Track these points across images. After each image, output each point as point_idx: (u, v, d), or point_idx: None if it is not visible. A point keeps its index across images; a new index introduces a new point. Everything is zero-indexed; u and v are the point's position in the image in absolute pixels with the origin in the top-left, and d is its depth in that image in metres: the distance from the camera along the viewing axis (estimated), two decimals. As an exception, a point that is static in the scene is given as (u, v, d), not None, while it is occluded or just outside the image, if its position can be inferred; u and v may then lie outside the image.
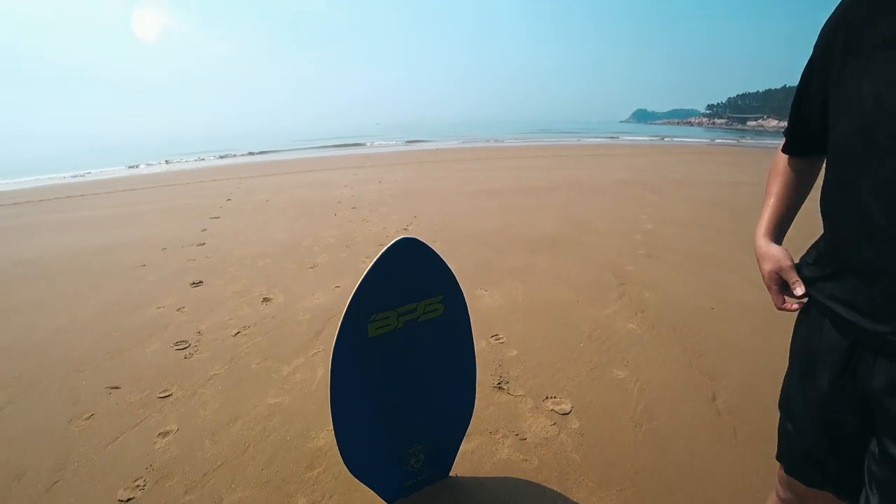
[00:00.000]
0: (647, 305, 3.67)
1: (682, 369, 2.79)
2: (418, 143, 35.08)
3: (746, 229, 5.87)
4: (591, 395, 2.56)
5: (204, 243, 6.07)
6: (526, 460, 2.12)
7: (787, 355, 1.12)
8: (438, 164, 16.28)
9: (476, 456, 2.15)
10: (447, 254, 5.26)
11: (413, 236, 1.50)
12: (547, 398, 2.54)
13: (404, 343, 1.60)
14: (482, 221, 6.71)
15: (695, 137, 39.57)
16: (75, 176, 21.55)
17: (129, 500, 1.98)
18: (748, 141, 34.55)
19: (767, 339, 3.09)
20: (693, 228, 5.99)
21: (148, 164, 26.77)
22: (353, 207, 8.18)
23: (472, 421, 1.96)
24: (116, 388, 2.82)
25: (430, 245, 1.55)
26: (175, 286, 4.48)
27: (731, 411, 2.40)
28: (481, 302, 3.84)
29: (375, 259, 1.43)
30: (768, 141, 33.88)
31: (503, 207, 7.66)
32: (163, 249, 5.88)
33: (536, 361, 2.90)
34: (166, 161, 28.64)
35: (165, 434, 2.38)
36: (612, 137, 39.87)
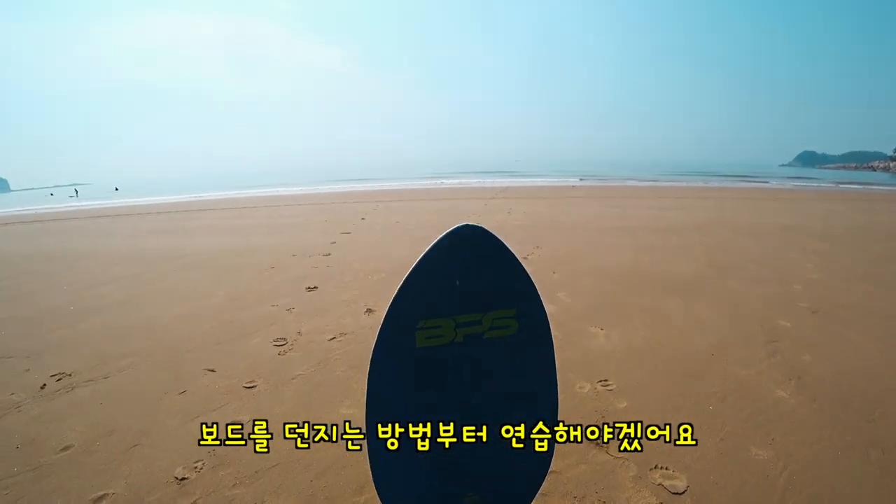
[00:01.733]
0: (806, 371, 2.89)
1: (855, 464, 2.07)
2: (551, 179, 34.54)
3: None
4: (716, 474, 2.00)
5: (329, 254, 6.40)
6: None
7: None
8: (571, 199, 15.71)
9: (555, 524, 1.76)
10: (566, 286, 5.00)
11: (480, 225, 1.22)
12: (656, 467, 2.03)
13: (463, 362, 1.29)
14: (609, 258, 6.13)
15: (880, 184, 33.17)
16: (234, 190, 25.24)
17: (183, 479, 2.00)
18: None
19: None
20: (873, 284, 4.76)
21: (297, 186, 30.18)
22: (476, 234, 8.09)
23: (554, 479, 1.57)
24: (212, 371, 2.95)
25: (516, 256, 1.27)
26: (293, 288, 4.72)
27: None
28: (594, 342, 3.38)
29: (427, 250, 1.18)
30: None
31: (635, 245, 6.95)
32: (293, 256, 6.32)
33: (650, 419, 2.38)
34: (314, 184, 32.10)
35: (238, 425, 2.36)
36: (764, 181, 35.35)
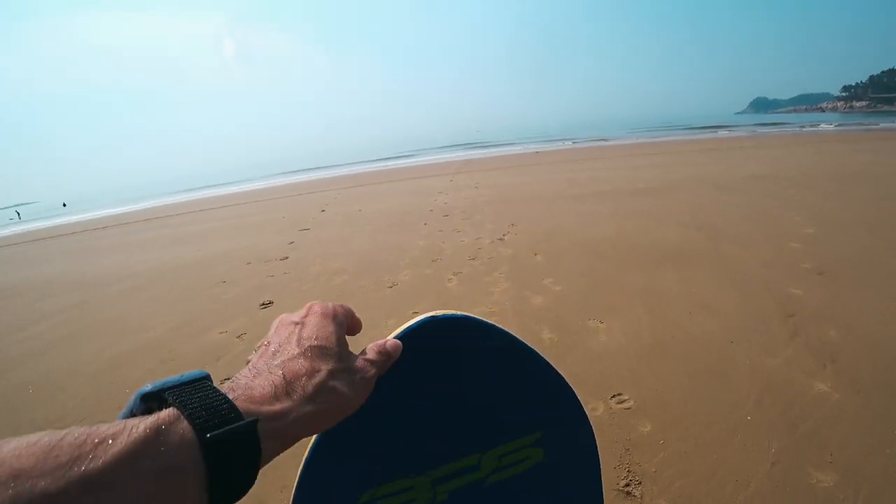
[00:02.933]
0: (837, 351, 2.53)
1: (935, 474, 1.72)
2: (517, 146, 34.07)
3: None
4: (781, 518, 1.60)
5: (287, 257, 5.81)
6: None
7: None
8: (539, 166, 15.28)
9: None
10: (551, 270, 4.53)
11: (461, 313, 0.67)
12: (708, 520, 1.62)
13: None
14: (591, 229, 5.72)
15: (832, 124, 33.90)
16: (189, 191, 23.88)
17: None
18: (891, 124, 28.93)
19: None
20: (872, 232, 4.48)
21: (253, 182, 28.88)
22: (446, 216, 7.58)
23: None
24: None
25: (500, 326, 0.71)
26: (245, 307, 4.16)
27: None
28: (596, 340, 2.95)
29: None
30: None
31: (615, 212, 6.57)
32: (247, 264, 5.71)
33: (683, 445, 1.97)
34: (271, 177, 30.79)
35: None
36: (714, 129, 35.75)
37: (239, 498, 0.31)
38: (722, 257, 4.20)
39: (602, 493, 0.84)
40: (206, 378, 0.35)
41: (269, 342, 0.43)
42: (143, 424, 0.28)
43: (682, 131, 36.76)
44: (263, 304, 4.14)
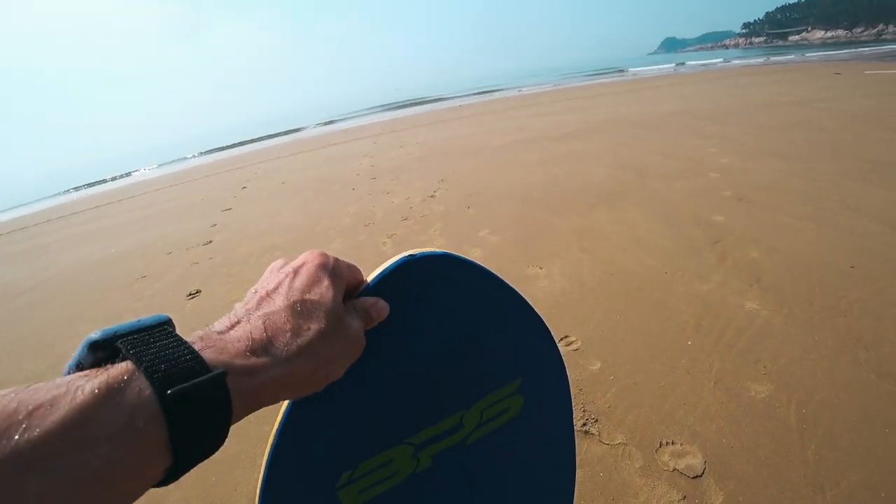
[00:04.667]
0: (761, 271, 2.69)
1: (850, 372, 1.86)
2: (439, 102, 33.59)
3: (846, 152, 4.64)
4: (726, 433, 1.69)
5: (210, 241, 5.41)
6: (653, 576, 1.29)
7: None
8: (462, 119, 15.12)
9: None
10: (485, 221, 4.50)
11: (441, 250, 0.57)
12: (662, 445, 1.68)
13: (432, 490, 0.68)
14: (521, 177, 5.72)
15: (736, 59, 35.97)
16: (89, 186, 21.70)
17: None
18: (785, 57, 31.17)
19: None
20: (780, 159, 4.79)
21: (162, 166, 26.73)
22: (373, 178, 7.35)
23: None
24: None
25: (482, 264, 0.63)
26: (171, 300, 3.85)
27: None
28: (537, 285, 2.97)
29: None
30: (809, 54, 30.13)
31: (543, 158, 6.61)
32: (168, 254, 5.27)
33: (632, 378, 2.03)
34: (185, 157, 28.53)
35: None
36: (621, 71, 37.06)
37: (206, 458, 0.28)
38: (648, 193, 4.34)
39: (573, 432, 0.81)
40: (167, 323, 0.31)
41: (256, 289, 0.38)
42: (90, 384, 0.24)
43: (598, 76, 37.56)
44: (190, 295, 3.83)
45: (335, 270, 0.41)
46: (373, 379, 0.52)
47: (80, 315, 4.00)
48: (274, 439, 0.49)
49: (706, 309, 2.41)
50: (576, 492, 1.38)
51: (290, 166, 11.20)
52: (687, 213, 3.67)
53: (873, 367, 1.87)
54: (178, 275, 4.46)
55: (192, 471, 0.27)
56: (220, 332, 0.32)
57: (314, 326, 0.35)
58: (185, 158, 27.93)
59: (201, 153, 29.28)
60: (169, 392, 0.25)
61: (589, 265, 3.10)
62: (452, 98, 35.90)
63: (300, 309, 0.35)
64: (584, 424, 1.81)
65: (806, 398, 1.78)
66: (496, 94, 32.10)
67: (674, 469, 1.58)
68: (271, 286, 0.37)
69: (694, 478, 1.54)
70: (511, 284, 0.61)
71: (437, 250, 0.53)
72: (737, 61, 33.12)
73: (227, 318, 0.34)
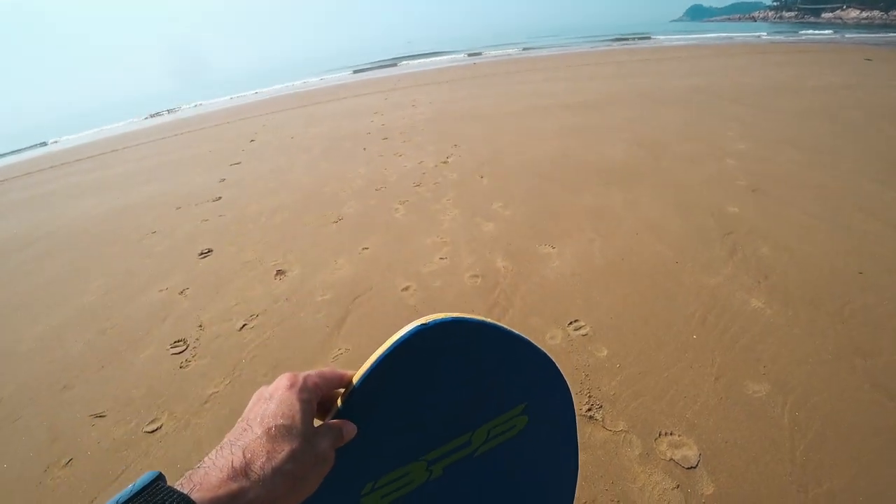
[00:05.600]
0: (770, 268, 2.72)
1: (845, 379, 1.93)
2: (451, 56, 32.66)
3: (868, 149, 4.54)
4: (722, 428, 1.76)
5: (220, 197, 5.41)
6: (645, 559, 1.39)
7: None
8: (476, 80, 14.77)
9: (568, 551, 1.43)
10: (499, 194, 4.49)
11: (451, 316, 0.63)
12: (661, 435, 1.76)
13: (443, 495, 0.79)
14: (536, 147, 5.67)
15: (763, 33, 34.61)
16: (100, 131, 21.29)
17: None
18: (810, 33, 29.94)
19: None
20: (797, 149, 4.71)
21: (170, 111, 26.16)
22: (385, 138, 7.27)
23: None
24: (101, 416, 2.27)
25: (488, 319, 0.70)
26: (182, 258, 3.88)
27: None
28: (549, 265, 3.01)
29: (360, 376, 0.60)
30: (838, 35, 28.89)
31: (559, 129, 6.52)
32: (177, 209, 5.28)
33: (637, 367, 2.09)
34: (194, 104, 27.89)
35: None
36: (644, 38, 35.82)
37: None
38: (664, 175, 4.32)
39: (577, 443, 0.90)
40: (159, 479, 0.35)
41: (243, 418, 0.43)
42: None
43: (619, 41, 36.33)
44: (202, 254, 3.88)
45: (303, 390, 0.46)
46: (393, 415, 0.63)
47: (90, 270, 4.03)
48: None
49: (713, 303, 2.45)
50: (579, 473, 1.48)
51: (299, 119, 11.05)
52: (701, 201, 3.66)
53: (868, 377, 1.93)
54: (187, 231, 4.49)
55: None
56: (207, 468, 0.37)
57: (286, 448, 0.40)
58: (188, 107, 27.38)
59: (206, 101, 28.71)
60: None
61: (601, 248, 3.13)
62: (466, 53, 34.87)
63: (274, 433, 0.40)
64: (590, 410, 1.89)
65: (801, 401, 1.84)
66: (510, 50, 31.18)
67: (670, 459, 1.66)
68: (253, 415, 0.43)
69: (688, 468, 1.62)
70: (516, 332, 0.69)
71: (448, 316, 0.61)
72: (764, 35, 31.96)
73: (216, 450, 0.39)
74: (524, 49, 33.81)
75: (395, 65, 34.22)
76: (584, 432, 1.80)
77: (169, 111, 26.51)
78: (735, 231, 3.16)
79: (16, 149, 21.68)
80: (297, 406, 0.44)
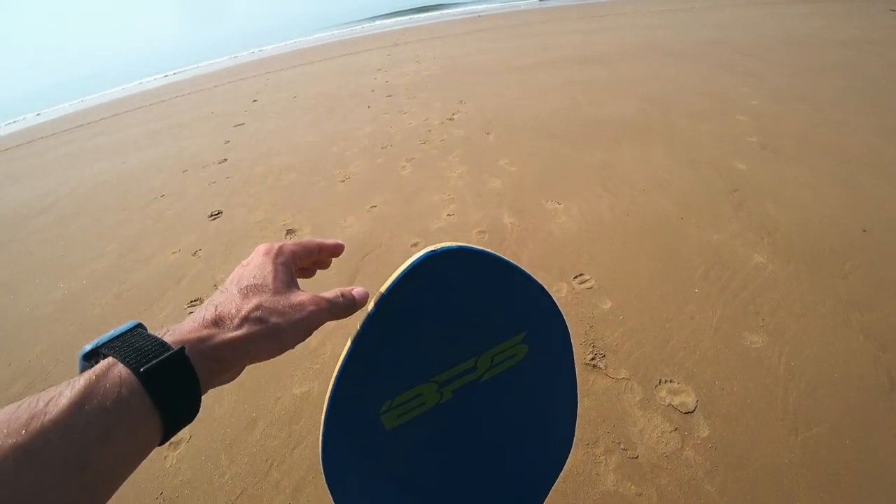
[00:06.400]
0: (774, 225, 2.73)
1: (840, 332, 1.98)
2: (458, 7, 31.58)
3: (886, 108, 4.38)
4: (720, 377, 1.83)
5: (226, 159, 5.43)
6: (641, 494, 1.49)
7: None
8: (481, 33, 14.35)
9: (571, 487, 1.54)
10: (505, 150, 4.51)
11: (456, 244, 0.70)
12: (661, 383, 1.84)
13: (454, 419, 0.89)
14: (544, 104, 5.58)
15: None
16: (103, 95, 20.89)
17: None
18: None
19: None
20: (813, 107, 4.58)
21: (171, 73, 25.57)
22: (389, 96, 7.18)
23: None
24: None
25: (491, 250, 0.78)
26: (193, 220, 3.94)
27: (926, 407, 1.63)
28: (555, 221, 3.04)
29: (375, 302, 0.68)
30: None
31: (567, 83, 6.38)
32: (184, 172, 5.31)
33: (640, 319, 2.16)
34: (195, 66, 27.20)
35: (177, 445, 1.92)
36: None
37: (192, 418, 0.37)
38: (674, 132, 4.26)
39: (575, 374, 0.99)
40: (139, 326, 0.38)
41: (222, 285, 0.46)
42: (83, 377, 0.32)
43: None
44: (212, 216, 3.94)
45: (279, 254, 0.49)
46: (406, 337, 0.72)
47: (103, 236, 4.10)
48: (335, 379, 0.67)
49: (716, 258, 2.49)
50: (582, 417, 1.57)
51: (301, 78, 10.87)
52: (710, 158, 3.64)
53: (863, 330, 1.98)
54: (196, 194, 4.54)
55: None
56: (181, 324, 0.40)
57: (255, 301, 0.42)
58: (189, 68, 26.79)
59: (207, 61, 28.10)
60: (142, 370, 0.33)
61: (608, 204, 3.15)
62: (471, 3, 33.67)
63: (246, 292, 0.43)
64: (594, 359, 1.97)
65: (796, 352, 1.91)
66: (518, 3, 30.08)
67: (669, 404, 1.75)
68: (228, 281, 0.46)
69: (686, 413, 1.71)
70: (513, 262, 0.76)
71: (454, 245, 0.67)
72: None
73: (195, 311, 0.42)
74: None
75: (396, 17, 33.12)
76: (587, 380, 1.89)
77: (165, 76, 26.00)
78: (741, 188, 3.15)
79: (11, 120, 21.24)
80: (269, 268, 0.47)
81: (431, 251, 0.66)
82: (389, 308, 0.67)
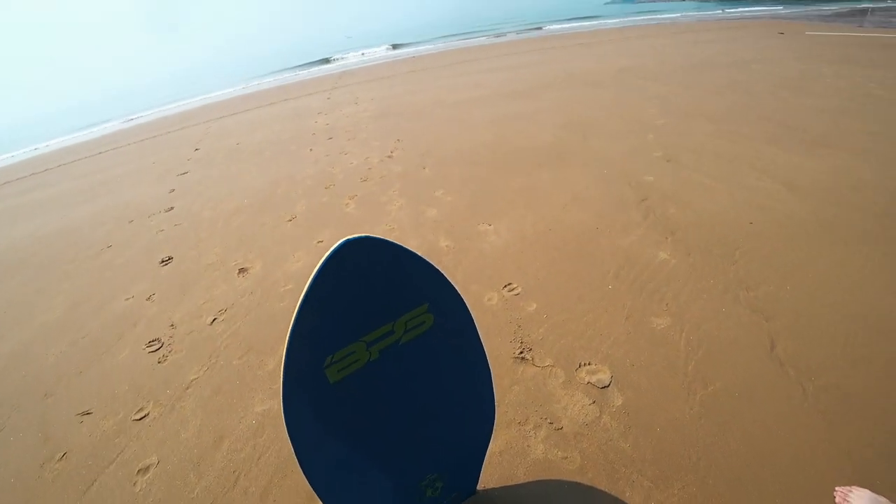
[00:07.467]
0: (676, 225, 3.17)
1: (730, 308, 2.37)
2: (390, 53, 32.63)
3: (768, 117, 5.15)
4: (631, 355, 2.16)
5: (172, 207, 5.50)
6: (566, 458, 1.76)
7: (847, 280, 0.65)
8: (415, 73, 15.00)
9: (506, 459, 1.79)
10: (440, 182, 4.87)
11: (364, 235, 1.02)
12: (581, 366, 2.14)
13: (385, 376, 1.18)
14: (473, 137, 6.03)
15: (683, 12, 36.21)
16: (28, 150, 20.00)
17: None
18: (734, 10, 31.57)
19: (819, 257, 2.64)
20: (708, 121, 5.27)
21: (107, 123, 24.85)
22: (330, 138, 7.46)
23: (496, 412, 1.58)
24: (88, 413, 2.46)
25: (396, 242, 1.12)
26: (143, 268, 4.01)
27: (795, 361, 2.01)
28: (486, 241, 3.37)
29: (311, 278, 0.98)
30: (761, 8, 30.63)
31: (494, 117, 6.89)
32: (130, 222, 5.32)
33: (561, 316, 2.48)
34: (128, 119, 26.54)
35: (145, 470, 2.04)
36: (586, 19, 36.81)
37: None
38: (590, 153, 4.76)
39: (482, 346, 1.29)
40: None
41: None
42: None
43: (555, 23, 37.22)
44: (163, 261, 4.01)
45: None
46: (337, 305, 1.03)
47: (49, 289, 4.07)
48: (288, 340, 1.00)
49: (626, 259, 2.87)
50: (513, 401, 1.85)
51: (242, 125, 11.00)
52: (622, 173, 4.12)
53: (749, 304, 2.38)
54: (145, 243, 4.59)
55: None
56: None
57: None
58: (118, 119, 26.11)
59: (139, 112, 27.50)
60: None
61: (532, 221, 3.51)
62: (400, 48, 34.87)
63: None
64: (521, 352, 2.26)
65: (694, 328, 2.27)
66: (443, 43, 31.47)
67: (588, 382, 2.05)
68: None
69: (602, 388, 2.01)
70: (410, 248, 1.10)
71: (364, 235, 1.02)
72: (691, 13, 33.43)
73: None
74: (461, 38, 34.15)
75: (333, 62, 33.83)
76: (516, 370, 2.17)
77: (93, 126, 25.20)
78: (649, 197, 3.61)
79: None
80: None
81: (347, 239, 0.97)
82: (322, 281, 0.98)
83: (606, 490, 1.62)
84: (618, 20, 35.79)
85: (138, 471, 2.03)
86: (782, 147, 4.22)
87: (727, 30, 16.03)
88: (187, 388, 2.45)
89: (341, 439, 1.20)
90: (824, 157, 3.92)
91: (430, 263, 1.14)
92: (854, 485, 1.50)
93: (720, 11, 32.24)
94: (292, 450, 1.13)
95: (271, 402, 2.26)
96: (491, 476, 1.72)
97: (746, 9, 32.86)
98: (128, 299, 3.51)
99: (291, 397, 1.07)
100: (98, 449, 2.21)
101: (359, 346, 1.10)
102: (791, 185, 3.51)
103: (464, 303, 1.23)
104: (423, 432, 1.34)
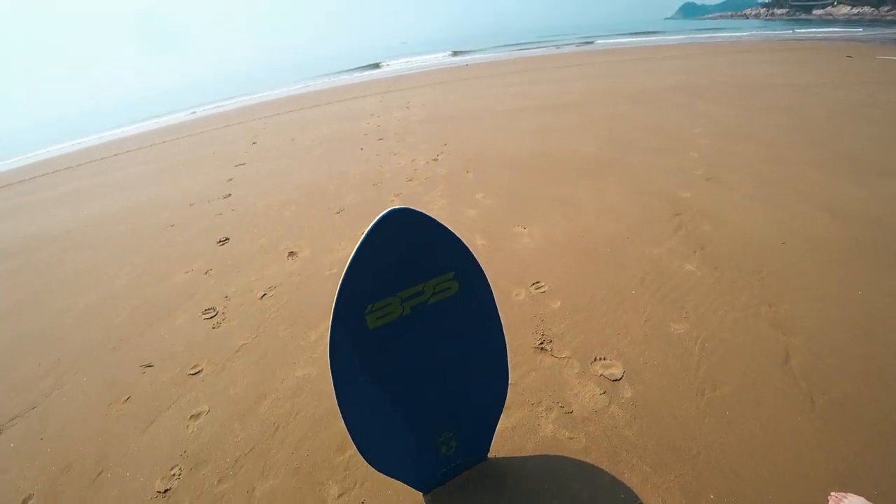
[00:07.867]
0: (707, 241, 3.24)
1: (750, 321, 2.44)
2: (445, 59, 33.21)
3: (820, 142, 5.07)
4: (645, 355, 2.28)
5: (230, 195, 5.92)
6: (572, 438, 1.90)
7: (873, 304, 0.78)
8: (467, 81, 15.30)
9: (517, 434, 1.95)
10: (481, 185, 5.08)
11: (407, 206, 1.24)
12: (596, 360, 2.27)
13: (415, 331, 1.39)
14: (517, 145, 6.20)
15: (749, 31, 35.11)
16: (100, 137, 21.44)
17: (166, 490, 1.94)
18: (805, 31, 30.33)
19: (849, 283, 2.65)
20: (756, 143, 5.24)
21: (172, 114, 26.31)
22: (380, 139, 7.78)
23: (512, 391, 1.75)
24: (150, 366, 2.77)
25: (430, 215, 1.33)
26: (202, 246, 4.38)
27: (808, 375, 2.07)
28: (519, 242, 3.53)
29: (362, 238, 1.20)
30: (835, 30, 29.32)
31: (540, 128, 7.05)
32: (190, 206, 5.77)
33: (583, 314, 2.61)
34: (192, 111, 28.04)
35: (197, 416, 2.31)
36: (643, 35, 36.26)
37: None
38: (630, 167, 4.84)
39: (499, 316, 1.48)
40: None
41: None
42: None
43: (612, 38, 36.97)
44: (220, 241, 4.38)
45: None
46: (381, 263, 1.25)
47: (116, 260, 4.49)
48: (340, 283, 1.22)
49: (652, 267, 2.97)
50: (529, 386, 2.01)
51: (298, 122, 11.55)
52: (659, 189, 4.19)
53: (770, 319, 2.44)
54: (204, 225, 4.99)
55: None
56: None
57: None
58: (183, 111, 27.59)
59: (204, 104, 29.03)
60: None
61: (564, 228, 3.65)
62: (458, 55, 35.41)
63: None
64: (541, 343, 2.41)
65: (710, 335, 2.36)
66: (502, 51, 31.75)
67: (601, 375, 2.18)
68: None
69: (614, 381, 2.14)
70: (443, 223, 1.26)
71: (406, 207, 1.20)
72: (757, 31, 32.43)
73: None
74: (517, 49, 34.39)
75: (391, 67, 34.70)
76: (535, 359, 2.32)
77: (160, 117, 26.74)
78: (683, 212, 3.68)
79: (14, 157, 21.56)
80: None
81: (393, 209, 1.18)
82: (370, 241, 1.19)
83: (607, 470, 1.75)
84: (678, 37, 35.24)
85: (191, 416, 2.30)
86: (829, 172, 4.18)
87: (793, 51, 15.58)
88: (237, 352, 2.73)
89: (374, 383, 1.40)
90: (874, 186, 3.85)
91: (458, 238, 1.35)
92: (850, 492, 1.59)
93: (790, 32, 31.19)
94: (332, 387, 1.34)
95: (311, 368, 2.50)
96: (502, 447, 1.88)
97: (819, 30, 31.67)
98: (187, 272, 3.87)
99: (337, 334, 1.29)
100: (157, 396, 2.50)
101: (394, 301, 1.31)
102: (834, 211, 3.48)
103: (485, 278, 1.43)
104: (444, 388, 1.53)
